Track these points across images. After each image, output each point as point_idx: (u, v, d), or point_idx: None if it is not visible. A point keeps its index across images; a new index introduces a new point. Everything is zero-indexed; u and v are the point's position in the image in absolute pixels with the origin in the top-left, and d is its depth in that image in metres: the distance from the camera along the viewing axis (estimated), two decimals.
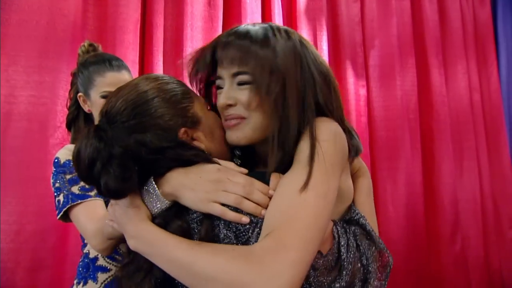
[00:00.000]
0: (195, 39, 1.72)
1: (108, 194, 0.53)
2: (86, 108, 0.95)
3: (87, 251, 0.88)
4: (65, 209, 0.82)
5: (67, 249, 1.37)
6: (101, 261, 0.85)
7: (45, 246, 1.31)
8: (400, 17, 2.29)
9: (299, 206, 0.48)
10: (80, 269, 0.87)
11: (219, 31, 1.79)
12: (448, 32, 2.47)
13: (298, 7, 2.01)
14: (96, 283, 0.83)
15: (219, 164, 0.56)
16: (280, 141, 0.55)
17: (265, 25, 0.64)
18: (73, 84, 1.01)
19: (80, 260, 0.90)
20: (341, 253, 0.51)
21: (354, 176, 0.64)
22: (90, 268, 0.85)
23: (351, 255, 0.50)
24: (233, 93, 0.60)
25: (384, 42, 2.23)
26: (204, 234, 0.51)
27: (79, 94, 0.96)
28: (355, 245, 0.52)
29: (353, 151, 0.59)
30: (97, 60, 0.95)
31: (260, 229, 0.50)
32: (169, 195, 0.55)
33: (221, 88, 0.62)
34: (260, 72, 0.57)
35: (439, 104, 2.26)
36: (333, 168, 0.52)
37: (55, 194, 0.86)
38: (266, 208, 0.51)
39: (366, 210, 0.57)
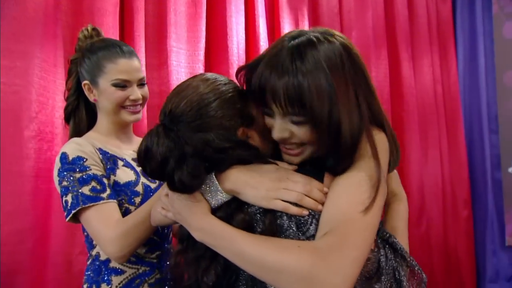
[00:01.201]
0: (179, 25, 1.63)
1: (181, 189, 0.57)
2: (91, 97, 0.86)
3: (96, 253, 0.81)
4: (74, 211, 0.74)
5: (47, 250, 1.26)
6: (114, 263, 0.79)
7: (24, 248, 1.20)
8: (374, 10, 2.34)
9: (357, 207, 0.51)
10: (90, 273, 0.80)
11: (203, 17, 1.71)
12: (415, 27, 2.58)
13: None
14: (110, 287, 0.77)
15: (276, 163, 0.59)
16: (337, 153, 0.56)
17: (305, 40, 0.58)
18: (72, 72, 0.90)
19: (88, 263, 0.83)
20: (381, 262, 0.52)
21: (392, 201, 0.66)
22: (102, 271, 0.79)
23: (389, 267, 0.52)
24: (287, 126, 0.58)
25: (360, 33, 2.28)
26: (268, 225, 0.55)
27: (84, 82, 0.85)
28: (392, 257, 0.54)
29: (391, 167, 0.60)
30: (106, 45, 0.85)
31: (317, 220, 0.53)
32: (230, 191, 0.57)
33: (269, 114, 0.60)
34: (318, 114, 0.54)
35: (408, 96, 2.37)
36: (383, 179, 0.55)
37: (62, 193, 0.78)
38: (322, 204, 0.54)
39: (399, 234, 0.59)
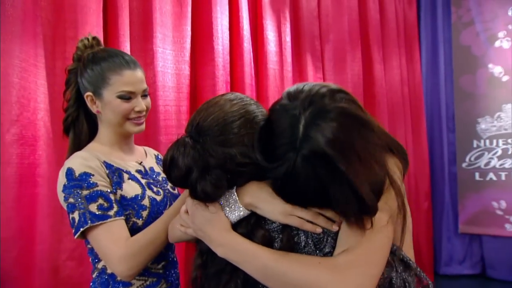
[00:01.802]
0: (164, 25, 1.58)
1: (203, 198, 0.59)
2: (94, 109, 0.82)
3: (103, 266, 0.79)
4: (82, 229, 0.72)
5: (33, 257, 1.20)
6: None
7: (8, 256, 1.13)
8: (350, 15, 2.42)
9: (375, 230, 0.53)
10: (98, 286, 0.78)
11: (189, 17, 1.67)
12: (386, 31, 2.71)
13: None
14: None
15: None
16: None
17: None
18: (70, 82, 0.85)
19: (94, 276, 0.81)
20: (392, 277, 0.57)
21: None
22: (110, 284, 0.77)
23: (400, 280, 0.57)
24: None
25: (337, 36, 2.35)
26: (285, 242, 0.56)
27: (87, 94, 0.81)
28: (401, 270, 0.58)
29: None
30: (109, 55, 0.81)
31: (332, 238, 0.56)
32: (248, 205, 0.59)
33: None
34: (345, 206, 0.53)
35: (380, 96, 2.50)
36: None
37: (68, 210, 0.75)
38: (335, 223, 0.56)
39: (407, 246, 0.62)
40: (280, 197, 0.57)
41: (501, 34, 2.88)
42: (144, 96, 0.83)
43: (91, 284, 0.82)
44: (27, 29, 1.21)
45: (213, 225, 0.58)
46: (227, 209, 0.59)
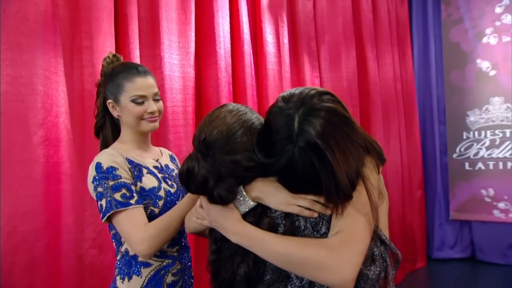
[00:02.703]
0: (171, 32, 1.67)
1: (220, 202, 0.66)
2: (115, 113, 0.93)
3: (125, 249, 0.89)
4: (109, 214, 0.83)
5: (60, 246, 1.31)
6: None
7: (39, 245, 1.24)
8: (344, 16, 2.49)
9: (359, 213, 0.63)
10: (122, 266, 0.88)
11: (192, 23, 1.76)
12: (379, 30, 2.78)
13: (261, 2, 2.05)
14: (141, 277, 0.86)
15: None
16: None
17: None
18: (99, 93, 0.96)
19: (118, 258, 0.91)
20: (374, 251, 0.66)
21: (378, 198, 0.72)
22: (132, 265, 0.87)
23: (379, 253, 0.66)
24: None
25: (332, 37, 2.43)
26: (288, 226, 0.65)
27: (109, 101, 0.92)
28: (379, 245, 0.68)
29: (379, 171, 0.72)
30: (125, 68, 0.93)
31: (327, 221, 0.65)
32: (255, 198, 0.67)
33: None
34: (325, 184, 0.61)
35: (374, 93, 2.58)
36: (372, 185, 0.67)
37: (97, 198, 0.85)
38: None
39: (383, 226, 0.72)
40: (284, 187, 0.66)
41: (488, 31, 2.94)
42: (156, 100, 0.93)
43: (116, 264, 0.92)
44: (48, 40, 1.30)
45: (226, 217, 0.66)
46: (237, 202, 0.67)
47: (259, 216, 0.67)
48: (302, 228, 0.65)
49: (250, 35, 2.00)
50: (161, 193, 0.90)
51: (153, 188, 0.89)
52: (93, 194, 0.87)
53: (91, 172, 0.87)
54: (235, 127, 0.67)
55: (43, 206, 1.25)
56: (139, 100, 0.90)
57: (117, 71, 0.92)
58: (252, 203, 0.67)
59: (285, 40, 2.13)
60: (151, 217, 0.86)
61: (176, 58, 1.69)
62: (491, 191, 2.90)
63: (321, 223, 0.65)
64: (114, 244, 0.94)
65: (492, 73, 2.91)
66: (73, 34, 1.40)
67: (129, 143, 0.94)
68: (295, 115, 0.61)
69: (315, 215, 0.64)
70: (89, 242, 1.39)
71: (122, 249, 0.90)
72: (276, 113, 0.64)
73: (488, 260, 2.90)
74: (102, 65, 0.97)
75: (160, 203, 0.89)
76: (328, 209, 0.64)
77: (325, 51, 2.39)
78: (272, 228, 0.65)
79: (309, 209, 0.64)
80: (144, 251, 0.80)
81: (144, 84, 0.91)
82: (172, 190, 0.92)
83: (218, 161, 0.65)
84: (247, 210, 0.67)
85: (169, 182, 0.94)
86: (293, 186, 0.65)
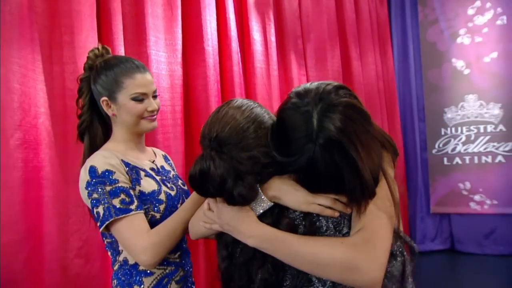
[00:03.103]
0: (157, 28, 1.59)
1: (241, 202, 0.61)
2: (109, 112, 0.84)
3: (124, 259, 0.82)
4: (108, 222, 0.75)
5: (43, 257, 1.20)
6: (143, 266, 0.81)
7: (19, 257, 1.13)
8: (328, 15, 2.50)
9: (380, 209, 0.60)
10: (121, 277, 0.81)
11: (179, 20, 1.69)
12: (361, 29, 2.82)
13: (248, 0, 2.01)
14: (143, 287, 0.80)
15: None
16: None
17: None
18: (83, 90, 0.87)
19: (116, 268, 0.83)
20: (393, 246, 0.63)
21: None
22: (133, 274, 0.80)
23: (397, 248, 0.65)
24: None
25: (317, 36, 2.43)
26: (308, 227, 0.61)
27: (103, 99, 0.84)
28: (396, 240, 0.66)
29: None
30: (121, 61, 0.84)
31: (348, 220, 0.62)
32: (272, 198, 0.63)
33: None
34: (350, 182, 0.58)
35: (358, 91, 2.61)
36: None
37: (93, 205, 0.77)
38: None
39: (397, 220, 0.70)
40: (304, 187, 0.62)
41: (462, 31, 3.06)
42: (154, 96, 0.87)
43: (113, 275, 0.85)
44: (24, 34, 1.20)
45: (241, 219, 0.62)
46: (253, 203, 0.62)
47: (277, 216, 0.63)
48: (324, 228, 0.62)
49: (237, 33, 1.95)
50: (162, 196, 0.83)
51: (153, 191, 0.82)
52: (87, 201, 0.79)
53: (84, 176, 0.79)
54: (248, 122, 0.63)
55: (23, 215, 1.15)
56: (139, 98, 0.83)
57: (112, 65, 0.84)
58: (269, 203, 0.62)
59: (272, 38, 2.11)
60: (151, 222, 0.80)
61: (163, 56, 1.62)
62: (468, 184, 3.02)
63: (342, 222, 0.62)
64: (109, 253, 0.86)
65: (466, 71, 3.04)
66: (52, 28, 1.30)
67: (124, 143, 0.86)
68: (314, 111, 0.58)
69: (337, 214, 0.61)
70: (74, 252, 1.29)
71: (120, 258, 0.83)
72: (291, 110, 0.61)
73: (466, 250, 3.02)
74: (88, 57, 0.88)
75: (161, 207, 0.82)
76: (349, 208, 0.61)
77: (311, 50, 2.39)
78: (292, 229, 0.61)
79: (330, 208, 0.61)
80: (148, 261, 0.74)
81: (145, 80, 0.84)
82: (173, 193, 0.86)
83: (236, 158, 0.61)
84: (263, 211, 0.63)
85: (169, 185, 0.87)
86: (314, 185, 0.61)
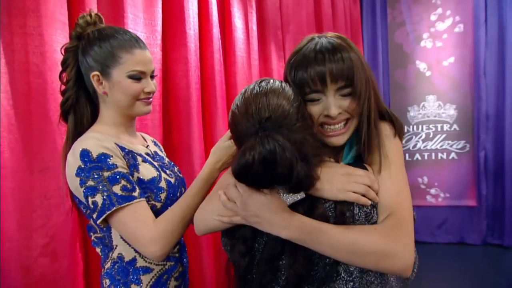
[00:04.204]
0: (136, 5, 1.45)
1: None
2: (100, 89, 0.73)
3: (118, 256, 0.72)
4: (109, 212, 0.65)
5: (0, 258, 1.05)
6: (141, 263, 0.72)
7: None
8: (307, 8, 2.51)
9: (402, 193, 0.62)
10: (115, 275, 0.70)
11: None
12: (337, 25, 2.87)
13: None
14: (141, 286, 0.70)
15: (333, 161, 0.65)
16: (367, 137, 0.65)
17: (340, 42, 0.67)
18: (68, 62, 0.74)
19: (108, 266, 0.73)
20: None
21: None
22: (129, 272, 0.71)
23: None
24: (338, 102, 0.64)
25: (296, 28, 2.42)
26: (339, 217, 0.60)
27: (94, 73, 0.72)
28: None
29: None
30: (118, 32, 0.73)
31: (375, 210, 0.62)
32: None
33: (315, 100, 0.64)
34: (361, 84, 0.63)
35: None
36: (403, 161, 0.68)
37: (88, 194, 0.66)
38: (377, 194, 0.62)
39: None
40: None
41: (425, 35, 3.27)
42: (151, 77, 0.78)
43: (103, 275, 0.75)
44: None
45: (272, 209, 0.57)
46: (285, 192, 0.58)
47: (309, 207, 0.59)
48: (356, 217, 0.60)
49: (219, 18, 1.86)
50: (163, 184, 0.75)
51: (153, 178, 0.74)
52: (78, 190, 0.69)
53: (74, 162, 0.68)
54: (295, 102, 0.59)
55: None
56: (137, 77, 0.74)
57: (107, 35, 0.73)
58: (302, 194, 0.58)
59: (254, 27, 2.05)
60: (152, 212, 0.72)
61: (142, 36, 1.48)
62: (425, 179, 3.26)
63: (372, 212, 0.62)
64: (99, 250, 0.76)
65: (428, 73, 3.25)
66: None
67: (115, 126, 0.76)
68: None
69: (369, 202, 0.61)
70: (38, 250, 1.14)
71: (114, 255, 0.73)
72: None
73: (421, 240, 3.27)
74: (77, 24, 0.75)
75: (162, 196, 0.74)
76: (377, 197, 0.62)
77: (289, 41, 2.38)
78: (325, 220, 0.59)
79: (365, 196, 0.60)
80: (158, 251, 0.67)
81: (145, 58, 0.75)
82: (172, 181, 0.79)
83: (299, 139, 0.55)
84: (295, 201, 0.58)
85: (168, 172, 0.79)
86: None
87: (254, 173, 0.53)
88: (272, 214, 0.58)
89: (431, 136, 3.25)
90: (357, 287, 0.60)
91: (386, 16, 3.37)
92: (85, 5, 1.27)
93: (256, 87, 0.61)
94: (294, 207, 0.59)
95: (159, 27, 1.56)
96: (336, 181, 0.60)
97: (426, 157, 3.26)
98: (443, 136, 3.22)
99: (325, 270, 0.59)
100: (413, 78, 3.28)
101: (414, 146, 3.28)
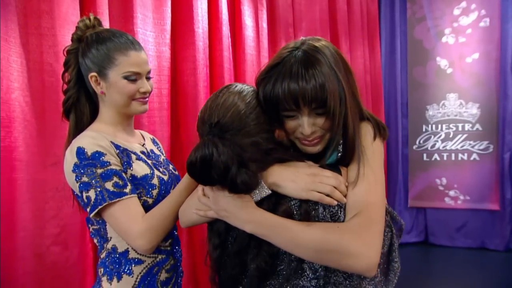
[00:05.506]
0: (145, 5, 1.50)
1: (244, 190, 0.59)
2: (98, 90, 0.78)
3: (113, 246, 0.77)
4: (101, 207, 0.70)
5: (15, 245, 1.13)
6: (133, 254, 0.76)
7: None
8: (320, 5, 2.47)
9: (373, 193, 0.61)
10: (109, 265, 0.75)
11: None
12: (352, 22, 2.82)
13: None
14: (132, 277, 0.75)
15: (305, 161, 0.65)
16: (344, 143, 0.65)
17: (311, 49, 0.65)
18: (70, 63, 0.79)
19: (103, 256, 0.78)
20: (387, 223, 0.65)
21: None
22: (122, 263, 0.76)
23: (387, 221, 0.66)
24: (313, 120, 0.65)
25: (309, 25, 2.40)
26: (304, 216, 0.61)
27: (92, 74, 0.77)
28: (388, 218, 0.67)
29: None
30: (114, 35, 0.77)
31: (343, 210, 0.62)
32: (271, 185, 0.62)
33: (291, 116, 0.65)
34: (335, 104, 0.63)
35: None
36: (382, 162, 0.67)
37: (82, 189, 0.71)
38: (345, 196, 0.62)
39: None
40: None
41: (447, 31, 3.14)
42: (147, 78, 0.81)
43: (99, 264, 0.80)
44: None
45: (239, 205, 0.60)
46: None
47: (274, 204, 0.61)
48: (320, 217, 0.61)
49: (229, 16, 1.89)
50: (155, 181, 0.79)
51: (146, 176, 0.78)
52: (74, 185, 0.74)
53: (71, 158, 0.73)
54: (250, 108, 0.62)
55: None
56: (132, 77, 0.77)
57: (104, 38, 0.77)
58: (268, 191, 0.61)
59: (264, 24, 2.06)
60: (144, 208, 0.75)
61: (151, 35, 1.53)
62: (444, 180, 3.14)
63: (339, 212, 0.62)
64: (96, 241, 0.81)
65: (449, 70, 3.13)
66: None
67: (112, 125, 0.80)
68: None
69: (335, 203, 0.61)
70: (51, 239, 1.21)
71: (109, 246, 0.78)
72: None
73: (439, 243, 3.16)
74: (77, 28, 0.80)
75: (154, 192, 0.78)
76: (344, 198, 0.62)
77: None
78: (288, 216, 0.60)
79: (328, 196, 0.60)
80: (146, 245, 0.71)
81: (139, 59, 0.79)
82: (165, 178, 0.82)
83: (239, 145, 0.58)
84: (261, 198, 0.61)
85: (161, 169, 0.83)
86: None
87: (196, 171, 0.58)
88: (238, 209, 0.60)
89: (451, 136, 3.13)
90: (321, 284, 0.60)
91: (405, 11, 3.27)
92: (97, 6, 1.33)
93: (217, 93, 0.65)
94: (261, 203, 0.61)
95: (168, 26, 1.60)
96: (301, 180, 0.61)
97: (445, 158, 3.14)
98: (464, 136, 3.09)
99: (289, 266, 0.61)
100: (433, 76, 3.17)
101: (433, 146, 3.17)
